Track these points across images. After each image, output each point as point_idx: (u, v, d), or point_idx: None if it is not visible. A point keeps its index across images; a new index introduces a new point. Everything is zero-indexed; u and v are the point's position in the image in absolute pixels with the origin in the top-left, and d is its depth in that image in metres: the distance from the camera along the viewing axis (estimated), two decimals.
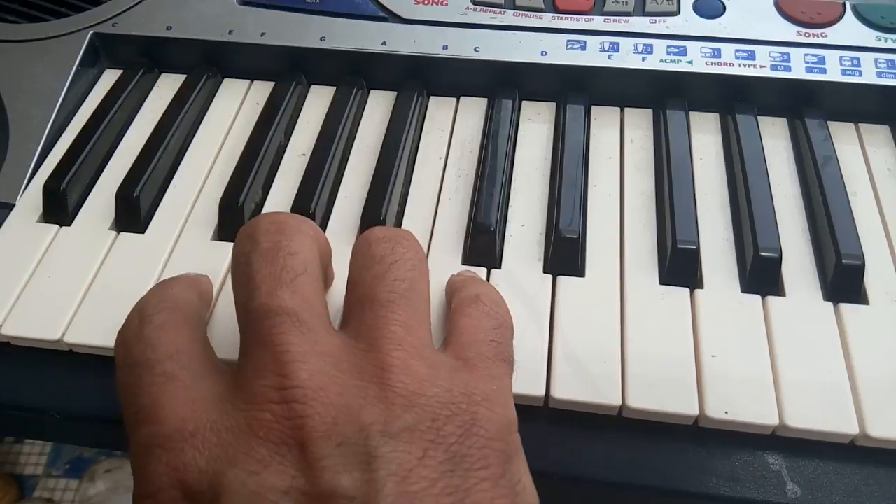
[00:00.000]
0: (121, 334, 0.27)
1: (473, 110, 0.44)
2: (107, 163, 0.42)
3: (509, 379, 0.27)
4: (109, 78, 0.46)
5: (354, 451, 0.21)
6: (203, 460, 0.22)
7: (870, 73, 0.42)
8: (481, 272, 0.36)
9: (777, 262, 0.35)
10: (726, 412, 0.31)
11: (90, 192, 0.40)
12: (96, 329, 0.34)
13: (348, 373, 0.23)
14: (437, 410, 0.23)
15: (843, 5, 0.44)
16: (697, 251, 0.36)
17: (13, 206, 0.40)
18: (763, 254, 0.35)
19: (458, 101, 0.45)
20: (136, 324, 0.27)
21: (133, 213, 0.38)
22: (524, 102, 0.44)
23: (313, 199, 0.38)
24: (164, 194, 0.40)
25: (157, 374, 0.25)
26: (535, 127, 0.43)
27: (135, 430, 0.24)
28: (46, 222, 0.39)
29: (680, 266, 0.35)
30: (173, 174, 0.41)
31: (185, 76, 0.46)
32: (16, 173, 0.41)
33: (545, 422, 0.32)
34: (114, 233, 0.38)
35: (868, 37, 0.43)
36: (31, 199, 0.40)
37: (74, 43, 0.46)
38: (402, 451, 0.21)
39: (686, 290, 0.35)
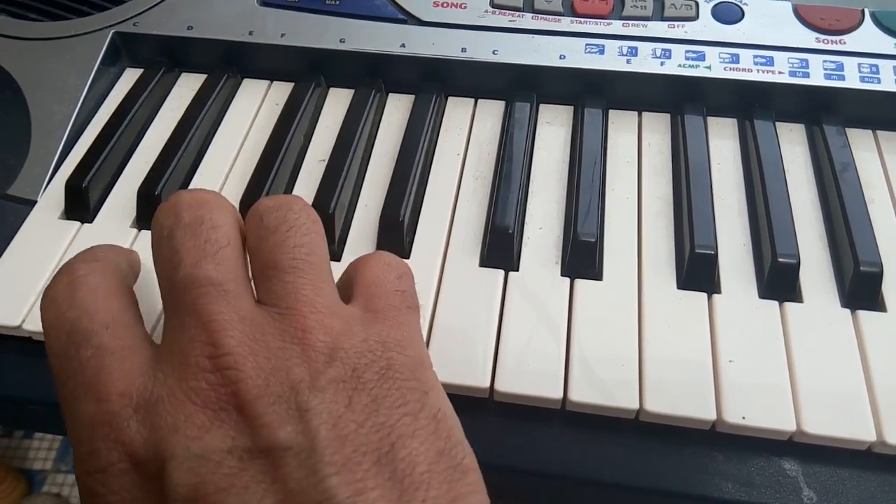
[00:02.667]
0: (49, 295, 0.27)
1: (491, 113, 0.44)
2: (128, 161, 0.42)
3: (417, 324, 0.29)
4: (130, 76, 0.47)
5: (287, 408, 0.23)
6: (147, 431, 0.23)
7: (888, 81, 0.41)
8: (498, 274, 0.36)
9: (795, 269, 0.35)
10: (744, 417, 0.31)
11: (111, 189, 0.41)
12: None
13: (272, 336, 0.25)
14: (356, 360, 0.25)
15: (862, 12, 0.44)
16: (715, 256, 0.36)
17: (35, 202, 0.40)
18: (781, 260, 0.35)
19: (475, 103, 0.45)
20: (67, 285, 0.26)
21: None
22: (542, 105, 0.45)
23: (332, 201, 0.38)
24: None
25: (95, 345, 0.25)
26: (553, 130, 0.43)
27: (74, 405, 0.25)
28: (68, 219, 0.39)
29: (698, 271, 0.35)
30: (193, 173, 0.41)
31: (205, 76, 0.46)
32: (38, 170, 0.42)
33: (561, 425, 0.32)
34: (135, 230, 0.39)
35: (887, 44, 0.43)
36: (52, 196, 0.40)
37: (96, 41, 0.46)
38: (329, 401, 0.23)
39: (703, 295, 0.35)
